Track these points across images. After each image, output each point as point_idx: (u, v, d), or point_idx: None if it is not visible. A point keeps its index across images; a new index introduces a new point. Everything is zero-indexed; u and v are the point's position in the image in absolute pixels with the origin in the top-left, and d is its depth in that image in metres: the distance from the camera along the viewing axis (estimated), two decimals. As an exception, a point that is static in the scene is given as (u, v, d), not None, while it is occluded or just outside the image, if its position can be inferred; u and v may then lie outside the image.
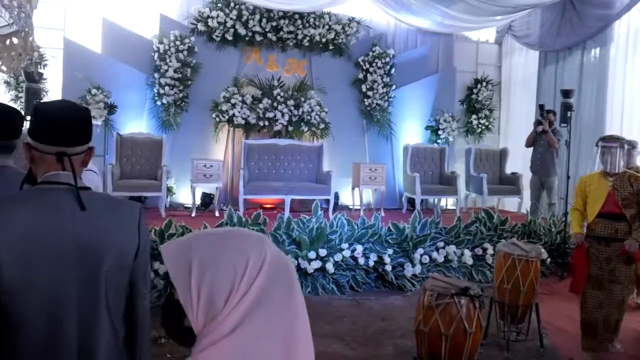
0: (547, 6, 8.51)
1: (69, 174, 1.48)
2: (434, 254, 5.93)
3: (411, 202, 8.57)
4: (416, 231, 6.02)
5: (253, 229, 5.55)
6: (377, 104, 8.93)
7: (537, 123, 7.69)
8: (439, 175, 8.84)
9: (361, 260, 5.65)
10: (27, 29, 3.38)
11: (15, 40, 3.39)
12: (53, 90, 7.73)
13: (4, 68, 3.62)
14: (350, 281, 5.59)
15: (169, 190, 7.92)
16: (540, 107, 7.69)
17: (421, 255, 5.83)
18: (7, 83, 7.36)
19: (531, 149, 7.83)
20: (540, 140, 7.63)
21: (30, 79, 4.68)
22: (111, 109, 7.53)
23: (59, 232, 1.43)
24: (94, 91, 7.41)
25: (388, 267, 5.67)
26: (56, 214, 1.43)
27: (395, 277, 5.68)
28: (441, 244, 6.04)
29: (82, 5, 7.92)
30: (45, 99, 7.58)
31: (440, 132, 9.16)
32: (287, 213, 7.18)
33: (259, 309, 0.86)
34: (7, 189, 1.67)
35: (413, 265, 5.78)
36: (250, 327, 0.85)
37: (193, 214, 7.42)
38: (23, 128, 2.20)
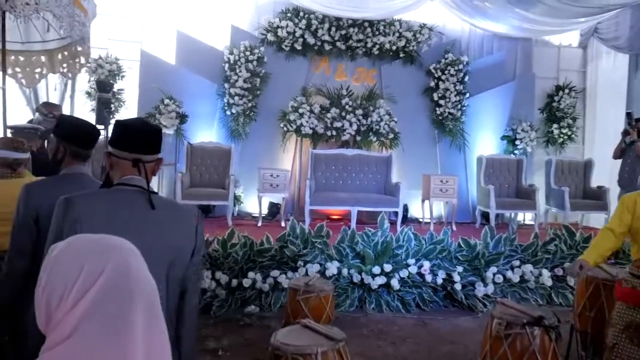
0: (637, 6, 7.83)
1: (142, 178, 1.71)
2: (509, 273, 5.53)
3: (485, 216, 8.14)
4: (489, 248, 5.65)
5: (316, 242, 5.44)
6: (449, 113, 8.58)
7: (625, 133, 7.05)
8: (516, 188, 8.33)
9: (428, 277, 5.37)
10: (83, 37, 3.43)
11: (79, 47, 3.51)
12: (129, 101, 8.04)
13: (69, 75, 3.78)
14: (416, 299, 5.32)
15: (237, 199, 7.98)
16: (628, 115, 7.04)
17: (494, 274, 5.45)
18: (88, 94, 7.70)
19: (619, 160, 7.19)
20: (629, 152, 6.99)
21: (101, 89, 4.83)
22: (182, 118, 7.70)
23: (130, 226, 1.61)
24: (166, 101, 7.60)
25: (457, 286, 5.35)
26: (129, 210, 1.64)
27: (465, 297, 5.35)
28: (517, 263, 5.62)
29: (158, 19, 8.18)
30: (121, 111, 7.89)
31: (517, 143, 8.65)
32: (353, 225, 7.02)
33: (91, 321, 0.86)
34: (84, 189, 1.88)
35: (485, 285, 5.41)
36: (84, 338, 0.85)
37: (259, 224, 7.40)
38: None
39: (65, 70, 4.02)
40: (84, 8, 3.56)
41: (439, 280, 5.37)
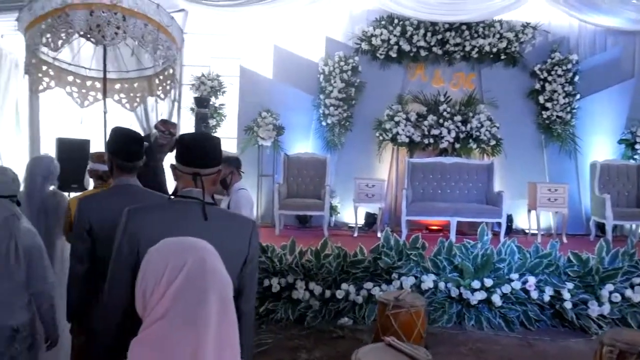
0: None
1: (200, 190, 1.81)
2: (628, 292, 4.97)
3: (601, 227, 7.45)
4: (604, 263, 5.13)
5: (411, 253, 5.26)
6: (557, 116, 7.99)
7: None
8: (636, 196, 7.55)
9: (534, 294, 4.98)
10: (175, 61, 3.64)
11: (170, 71, 3.74)
12: (230, 115, 8.36)
13: (162, 96, 4.07)
14: (520, 317, 4.95)
15: (333, 209, 7.98)
16: None
17: (610, 293, 4.94)
18: (192, 110, 8.12)
19: None
20: None
21: (199, 105, 5.05)
22: (279, 130, 7.87)
23: (185, 235, 1.67)
24: (264, 114, 7.80)
25: (567, 304, 4.90)
26: (184, 221, 1.75)
27: (576, 316, 4.89)
28: (637, 280, 5.05)
29: (256, 35, 8.44)
30: (222, 125, 8.22)
31: (637, 147, 7.85)
32: (452, 236, 6.75)
33: (176, 307, 1.03)
34: (131, 203, 2.01)
35: (600, 304, 4.91)
36: (170, 320, 1.02)
37: (355, 234, 7.34)
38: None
39: (160, 92, 4.30)
40: (172, 35, 3.76)
41: (546, 298, 4.96)
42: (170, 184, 5.69)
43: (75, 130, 6.16)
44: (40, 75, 4.02)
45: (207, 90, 8.15)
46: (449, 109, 7.92)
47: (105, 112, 4.15)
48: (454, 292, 5.05)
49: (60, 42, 3.54)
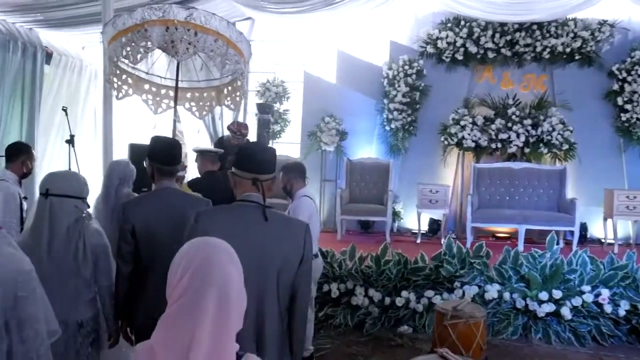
0: None
1: (259, 195, 1.97)
2: None
3: (687, 237, 6.90)
4: (689, 277, 4.75)
5: (474, 262, 5.09)
6: (637, 118, 7.49)
7: None
8: None
9: (607, 308, 4.68)
10: (241, 73, 3.98)
11: (238, 82, 4.14)
12: (294, 121, 8.47)
13: (232, 107, 4.25)
14: (592, 331, 4.67)
15: (397, 215, 7.88)
16: None
17: (695, 309, 4.56)
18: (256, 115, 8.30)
19: None
20: None
21: (262, 111, 5.15)
22: (342, 135, 7.88)
23: (246, 236, 1.89)
24: (327, 119, 7.84)
25: (646, 320, 4.58)
26: (245, 223, 1.92)
27: (656, 333, 4.55)
28: None
29: (320, 41, 8.50)
30: (286, 130, 8.34)
31: None
32: (520, 244, 6.50)
33: (185, 295, 1.21)
34: (169, 205, 2.33)
35: (683, 321, 4.55)
36: (179, 306, 1.21)
37: (418, 240, 7.21)
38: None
39: (229, 102, 4.48)
40: (239, 49, 3.92)
41: (621, 312, 4.66)
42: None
43: (147, 136, 6.44)
44: (120, 83, 4.30)
45: (272, 97, 8.30)
46: (518, 112, 7.62)
47: (174, 120, 4.38)
48: (520, 303, 4.85)
49: (139, 55, 3.80)
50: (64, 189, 2.40)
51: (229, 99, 4.47)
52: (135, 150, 6.51)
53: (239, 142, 5.66)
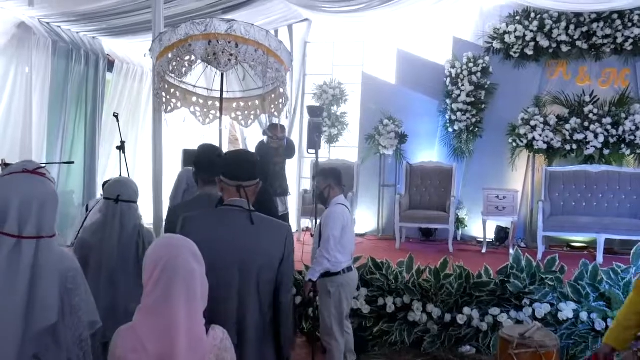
0: None
1: (244, 200, 2.17)
2: None
3: None
4: None
5: (546, 277, 4.61)
6: None
7: None
8: None
9: None
10: (282, 81, 4.15)
11: (281, 90, 4.23)
12: (352, 124, 8.20)
13: (276, 114, 4.43)
14: (686, 361, 4.09)
15: (460, 222, 7.44)
16: None
17: None
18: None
19: None
20: None
21: (312, 114, 4.96)
22: (402, 138, 7.53)
23: (230, 237, 2.11)
24: (385, 122, 7.51)
25: None
26: (230, 225, 2.12)
27: None
28: None
29: (379, 40, 8.19)
30: (344, 134, 8.09)
31: None
32: (599, 256, 5.94)
33: (157, 287, 1.52)
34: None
35: None
36: (153, 296, 1.53)
37: (483, 250, 6.75)
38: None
39: (272, 110, 4.50)
40: (280, 58, 4.02)
41: None
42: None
43: (200, 141, 6.44)
44: (168, 97, 4.43)
45: (329, 99, 8.07)
46: (596, 110, 6.97)
47: (220, 130, 4.45)
48: (599, 325, 4.35)
49: (184, 69, 3.99)
50: (131, 195, 2.81)
51: (272, 106, 4.49)
52: (189, 156, 6.51)
53: (277, 145, 5.54)
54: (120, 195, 2.76)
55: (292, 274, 2.29)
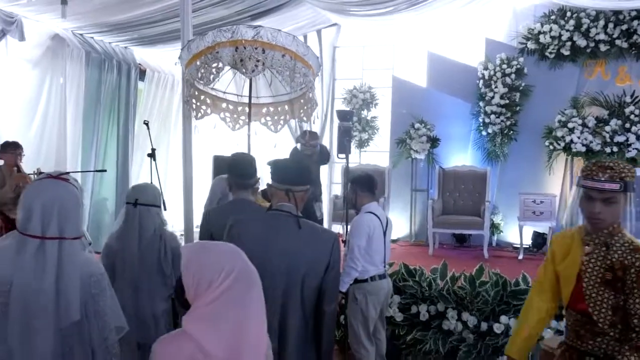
0: None
1: (292, 205, 2.20)
2: None
3: None
4: None
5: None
6: None
7: None
8: None
9: None
10: (312, 87, 4.24)
11: (310, 95, 4.27)
12: (383, 127, 8.10)
13: (305, 119, 4.51)
14: None
15: (495, 227, 7.24)
16: None
17: None
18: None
19: None
20: None
21: (342, 118, 4.90)
22: (434, 142, 7.38)
23: (276, 241, 2.13)
24: (417, 125, 7.39)
25: None
26: (277, 230, 2.13)
27: None
28: None
29: (410, 43, 8.08)
30: (375, 138, 8.00)
31: None
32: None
33: (227, 295, 1.44)
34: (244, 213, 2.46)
35: None
36: (220, 305, 1.44)
37: (520, 256, 6.54)
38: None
39: (301, 115, 4.53)
40: (307, 63, 4.03)
41: None
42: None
43: (231, 148, 6.44)
44: (198, 104, 4.48)
45: (359, 103, 8.00)
46: (637, 112, 6.70)
47: (249, 135, 4.46)
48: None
49: (211, 76, 4.04)
50: (150, 199, 2.83)
51: (301, 111, 4.49)
52: (219, 162, 6.52)
53: (311, 152, 5.49)
54: (139, 199, 2.80)
55: (337, 283, 2.30)
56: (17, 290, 1.76)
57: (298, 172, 2.27)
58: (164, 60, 7.98)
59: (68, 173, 1.97)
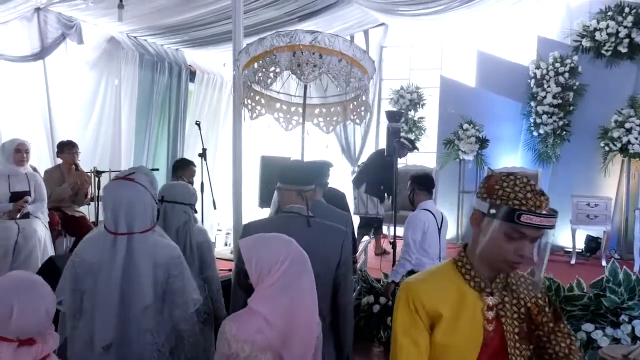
0: None
1: (300, 206, 2.31)
2: None
3: None
4: None
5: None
6: None
7: None
8: None
9: None
10: (364, 90, 4.21)
11: (363, 98, 4.29)
12: (430, 128, 8.01)
13: (357, 121, 4.52)
14: None
15: (546, 230, 7.02)
16: None
17: None
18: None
19: None
20: None
21: (391, 119, 4.87)
22: (483, 143, 7.25)
23: None
24: (465, 126, 7.26)
25: None
26: (288, 231, 2.06)
27: None
28: None
29: (458, 42, 7.96)
30: (422, 139, 7.92)
31: None
32: None
33: (284, 277, 1.74)
34: (319, 215, 2.46)
35: None
36: (280, 285, 1.73)
37: (572, 261, 6.34)
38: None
39: (354, 117, 4.54)
40: (363, 67, 4.03)
41: None
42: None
43: (280, 148, 6.50)
44: (253, 104, 4.56)
45: (406, 104, 7.93)
46: (703, 111, 6.39)
47: (302, 137, 4.45)
48: None
49: (269, 80, 4.07)
50: (175, 196, 2.88)
51: (354, 113, 4.52)
52: (267, 162, 6.60)
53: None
54: (165, 196, 2.87)
55: (350, 276, 2.37)
56: (96, 276, 2.05)
57: (307, 173, 2.37)
58: (213, 62, 8.14)
59: (134, 173, 2.18)
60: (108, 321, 2.04)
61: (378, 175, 6.17)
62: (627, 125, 6.61)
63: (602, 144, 6.85)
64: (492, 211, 1.46)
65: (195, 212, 2.99)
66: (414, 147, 6.60)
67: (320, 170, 2.48)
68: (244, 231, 2.30)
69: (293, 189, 2.30)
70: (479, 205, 1.51)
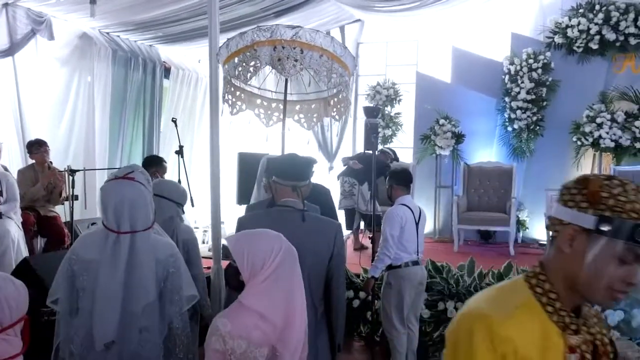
0: None
1: (296, 200, 2.35)
2: None
3: None
4: None
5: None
6: None
7: None
8: None
9: None
10: (345, 86, 4.25)
11: (344, 94, 4.32)
12: (406, 124, 8.07)
13: (337, 117, 4.52)
14: None
15: (521, 224, 7.16)
16: None
17: None
18: (367, 120, 8.03)
19: None
20: None
21: (369, 115, 4.87)
22: (459, 138, 7.32)
23: (284, 235, 2.18)
24: (441, 121, 7.33)
25: None
26: (282, 224, 2.12)
27: None
28: None
29: (434, 39, 8.03)
30: (398, 135, 7.96)
31: None
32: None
33: (277, 272, 1.75)
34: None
35: None
36: (274, 280, 1.75)
37: (547, 253, 6.44)
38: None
39: (334, 114, 4.56)
40: (344, 63, 4.03)
41: None
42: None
43: (260, 144, 6.47)
44: (234, 100, 4.52)
45: (383, 100, 7.97)
46: (668, 106, 6.56)
47: (283, 133, 4.44)
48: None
49: (249, 74, 4.05)
50: (163, 191, 2.86)
51: (334, 110, 4.53)
52: (244, 159, 6.54)
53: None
54: (154, 190, 2.83)
55: (343, 267, 2.45)
56: (96, 274, 2.08)
57: (302, 168, 2.40)
58: (188, 58, 8.05)
59: (132, 172, 2.19)
60: (110, 319, 2.05)
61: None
62: (599, 120, 6.76)
63: (574, 139, 6.99)
64: (605, 228, 1.08)
65: (184, 212, 2.96)
66: (396, 158, 6.68)
67: (311, 166, 2.49)
68: (238, 225, 2.32)
69: (289, 184, 2.34)
70: (575, 217, 1.12)
